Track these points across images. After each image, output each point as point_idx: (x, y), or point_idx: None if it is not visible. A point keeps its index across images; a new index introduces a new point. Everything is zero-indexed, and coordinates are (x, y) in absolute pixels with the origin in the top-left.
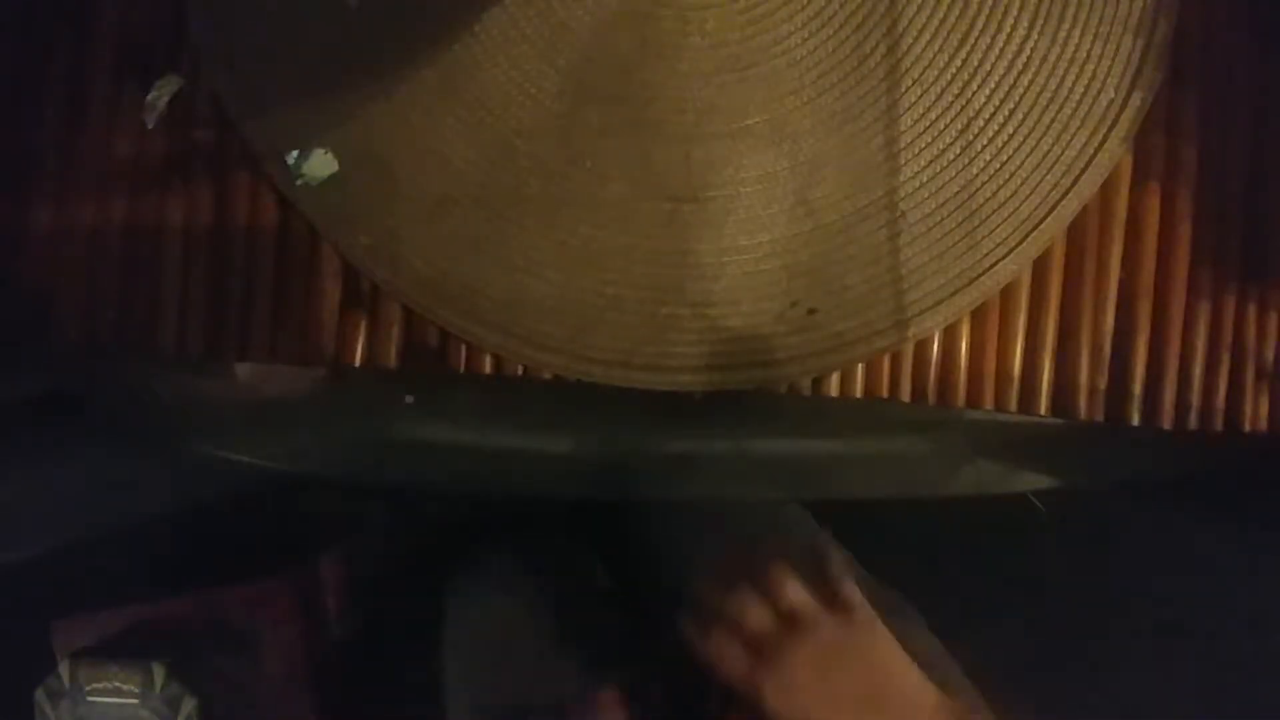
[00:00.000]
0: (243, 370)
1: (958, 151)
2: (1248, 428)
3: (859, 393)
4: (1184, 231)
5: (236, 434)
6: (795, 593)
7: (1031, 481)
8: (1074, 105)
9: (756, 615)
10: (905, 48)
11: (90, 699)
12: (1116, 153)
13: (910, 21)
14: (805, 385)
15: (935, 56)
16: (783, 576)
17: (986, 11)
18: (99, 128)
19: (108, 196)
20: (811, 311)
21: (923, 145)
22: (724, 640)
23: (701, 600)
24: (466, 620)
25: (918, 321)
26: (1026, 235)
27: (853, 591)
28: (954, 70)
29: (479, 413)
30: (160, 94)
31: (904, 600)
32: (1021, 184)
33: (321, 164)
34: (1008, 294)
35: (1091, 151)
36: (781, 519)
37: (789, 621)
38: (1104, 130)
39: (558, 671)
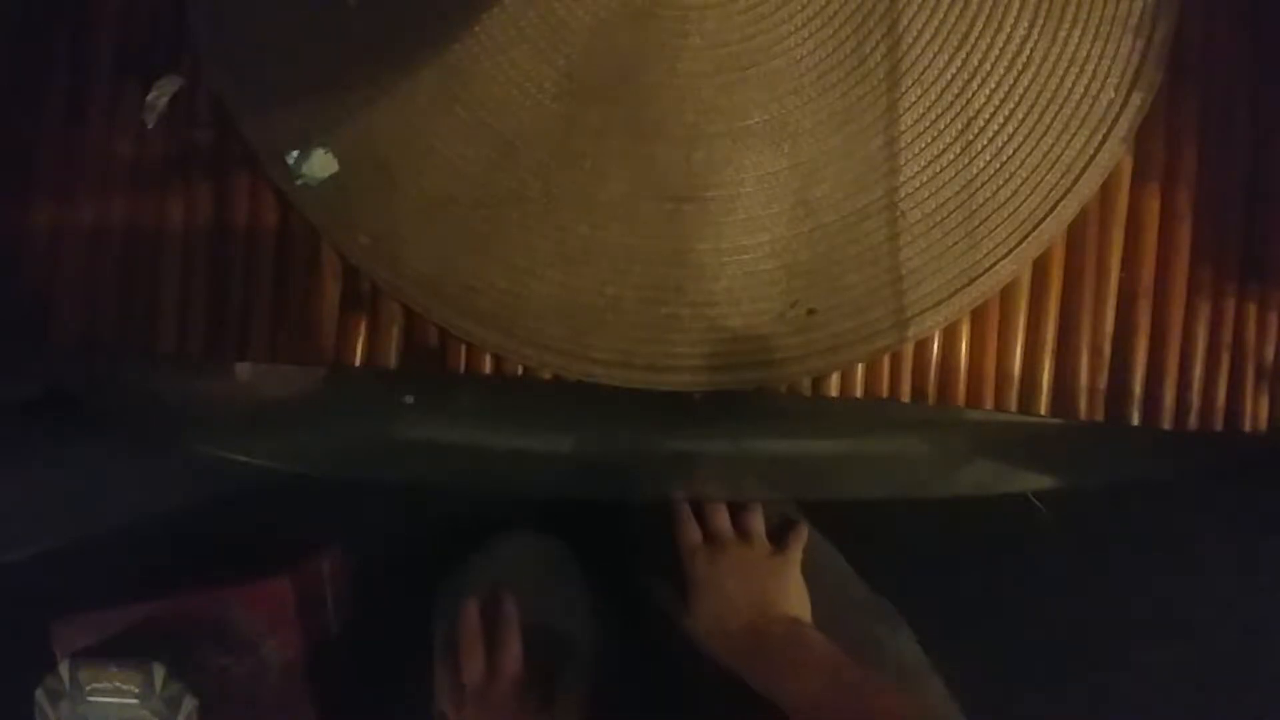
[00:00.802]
0: (243, 370)
1: (958, 151)
2: (1248, 428)
3: (859, 393)
4: (1184, 231)
5: (236, 434)
6: (757, 524)
7: (1031, 481)
8: (1074, 105)
9: (723, 521)
10: (905, 48)
11: (90, 699)
12: (1116, 153)
13: (910, 21)
14: (805, 385)
15: (935, 56)
16: (755, 512)
17: (986, 11)
18: (99, 128)
19: (108, 196)
20: (811, 311)
21: (923, 145)
22: (694, 524)
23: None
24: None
25: (918, 321)
26: (1026, 235)
27: (796, 550)
28: (954, 70)
29: (479, 413)
30: (160, 94)
31: (892, 609)
32: (1021, 184)
33: (321, 164)
34: (1008, 294)
35: (1091, 151)
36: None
37: (741, 535)
38: (1104, 130)
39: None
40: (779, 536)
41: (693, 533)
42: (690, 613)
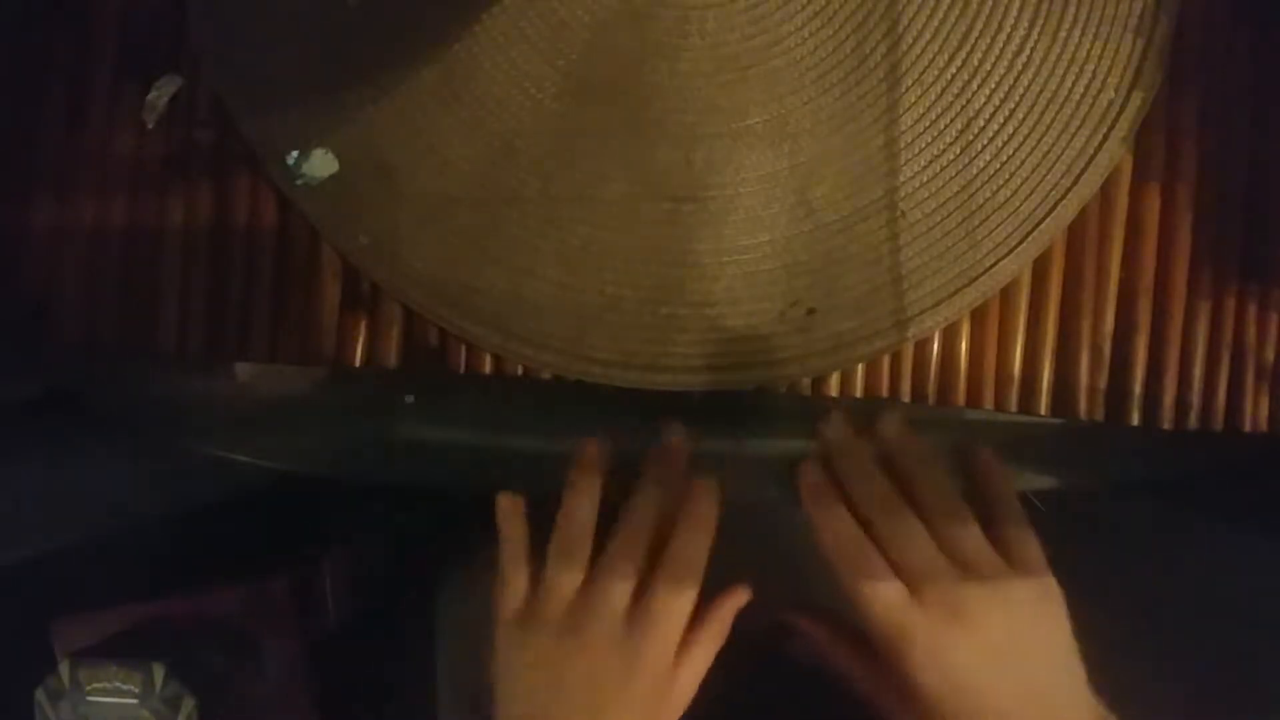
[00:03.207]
0: (243, 370)
1: (958, 151)
2: (1248, 428)
3: (859, 393)
4: (1184, 231)
5: (236, 434)
6: (974, 536)
7: (1031, 481)
8: (1074, 105)
9: (924, 548)
10: (905, 48)
11: (90, 699)
12: (1116, 153)
13: (910, 21)
14: (805, 385)
15: (935, 56)
16: (964, 521)
17: (986, 11)
18: (99, 128)
19: (108, 196)
20: (811, 311)
21: (923, 145)
22: (884, 579)
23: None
24: (460, 616)
25: (918, 321)
26: (1026, 235)
27: (1035, 550)
28: (954, 70)
29: (479, 413)
30: (160, 94)
31: None
32: (1021, 184)
33: (321, 164)
34: (1008, 294)
35: (1091, 151)
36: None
37: (959, 563)
38: (1104, 130)
39: None
40: (1002, 543)
41: (890, 591)
42: (920, 711)
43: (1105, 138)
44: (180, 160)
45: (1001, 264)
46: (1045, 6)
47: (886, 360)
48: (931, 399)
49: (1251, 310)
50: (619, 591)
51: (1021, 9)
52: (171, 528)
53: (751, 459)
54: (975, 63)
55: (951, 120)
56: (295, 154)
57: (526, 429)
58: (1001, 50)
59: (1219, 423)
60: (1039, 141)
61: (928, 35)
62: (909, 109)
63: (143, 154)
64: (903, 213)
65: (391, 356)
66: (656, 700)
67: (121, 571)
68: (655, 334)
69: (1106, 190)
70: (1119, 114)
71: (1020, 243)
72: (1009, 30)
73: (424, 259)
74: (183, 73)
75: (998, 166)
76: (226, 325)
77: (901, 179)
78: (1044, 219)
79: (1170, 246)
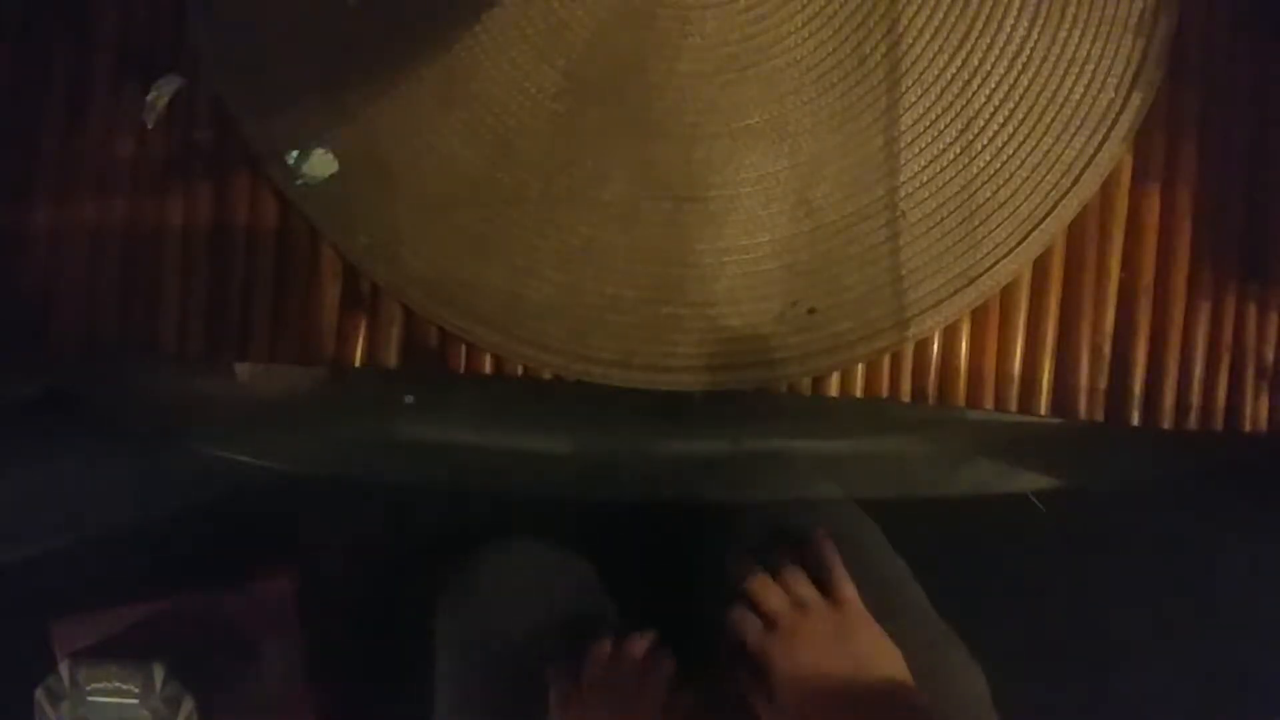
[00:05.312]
0: (243, 370)
1: (958, 151)
2: (1248, 428)
3: (859, 393)
4: (1184, 231)
5: (236, 434)
6: (805, 588)
7: (1031, 481)
8: (1074, 105)
9: (774, 598)
10: (905, 48)
11: (90, 699)
12: (1116, 152)
13: (910, 21)
14: (805, 385)
15: (935, 56)
16: (798, 576)
17: (986, 11)
18: (99, 128)
19: (108, 196)
20: (811, 311)
21: (923, 145)
22: (746, 614)
23: (731, 584)
24: (458, 618)
25: (918, 321)
26: (1027, 235)
27: (848, 589)
28: (954, 70)
29: (479, 413)
30: (160, 94)
31: (956, 638)
32: (1022, 184)
33: (321, 164)
34: (1008, 294)
35: (1091, 151)
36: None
37: (798, 606)
38: (1104, 130)
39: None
40: (825, 585)
41: (753, 624)
42: (781, 704)
43: (1105, 138)
44: (180, 160)
45: (1001, 264)
46: (1045, 6)
47: (886, 360)
48: (931, 399)
49: (1251, 310)
50: None
51: (1021, 9)
52: (171, 528)
53: (751, 459)
54: (975, 63)
55: (951, 120)
56: (295, 154)
57: (526, 429)
58: (1001, 50)
59: (1219, 423)
60: (1039, 141)
61: (928, 35)
62: (909, 109)
63: (143, 154)
64: (903, 213)
65: (391, 356)
66: None
67: (121, 571)
68: (655, 334)
69: (1106, 190)
70: (1119, 114)
71: (1020, 243)
72: (1009, 30)
73: (424, 259)
74: (183, 73)
75: (998, 166)
76: (226, 325)
77: (901, 179)
78: (1044, 219)
79: (1170, 246)
